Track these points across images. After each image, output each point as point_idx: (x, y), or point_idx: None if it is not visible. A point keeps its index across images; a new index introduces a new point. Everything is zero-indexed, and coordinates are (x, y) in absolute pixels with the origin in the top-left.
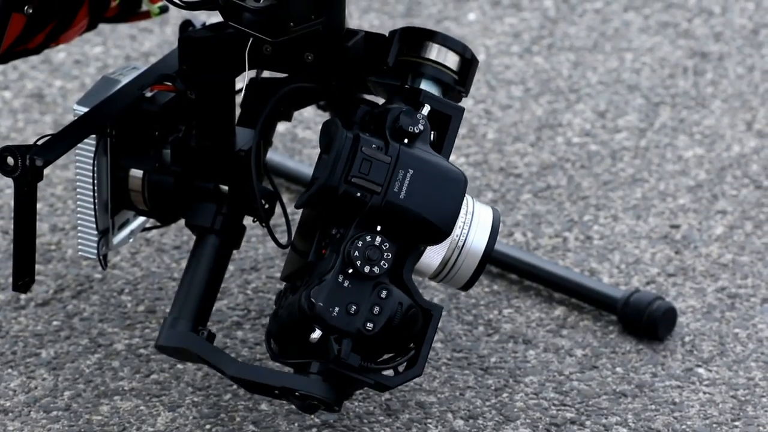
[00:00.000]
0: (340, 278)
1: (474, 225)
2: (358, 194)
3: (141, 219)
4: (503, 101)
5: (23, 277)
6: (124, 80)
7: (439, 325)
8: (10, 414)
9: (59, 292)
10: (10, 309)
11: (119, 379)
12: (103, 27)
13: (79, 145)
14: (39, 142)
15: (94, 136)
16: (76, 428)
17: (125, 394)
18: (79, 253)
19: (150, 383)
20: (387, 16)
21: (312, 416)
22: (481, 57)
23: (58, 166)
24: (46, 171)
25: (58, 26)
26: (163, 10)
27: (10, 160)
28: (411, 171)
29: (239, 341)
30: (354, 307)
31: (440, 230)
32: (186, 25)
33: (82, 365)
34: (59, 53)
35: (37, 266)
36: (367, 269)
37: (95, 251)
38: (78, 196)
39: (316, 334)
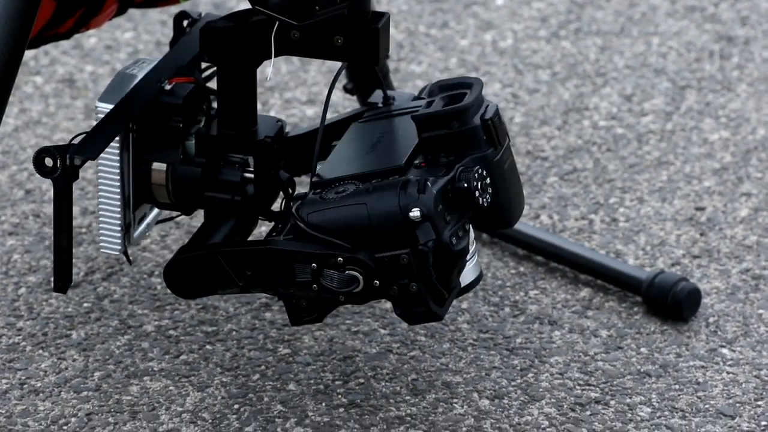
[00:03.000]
0: (444, 190)
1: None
2: (485, 137)
3: (156, 211)
4: (530, 85)
5: (63, 278)
6: (140, 74)
7: (466, 306)
8: (41, 394)
9: (90, 274)
10: (41, 291)
11: (149, 359)
12: (134, 12)
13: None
14: (74, 141)
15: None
16: (106, 408)
17: (155, 375)
18: (102, 249)
19: (179, 364)
20: (415, 1)
21: (339, 396)
22: (508, 41)
23: None
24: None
25: (87, 11)
26: None
27: (49, 161)
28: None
29: (267, 322)
30: (449, 217)
31: (509, 219)
32: (180, 17)
33: (112, 346)
34: (90, 38)
35: None
36: (477, 194)
37: (119, 247)
38: (100, 193)
39: (416, 213)
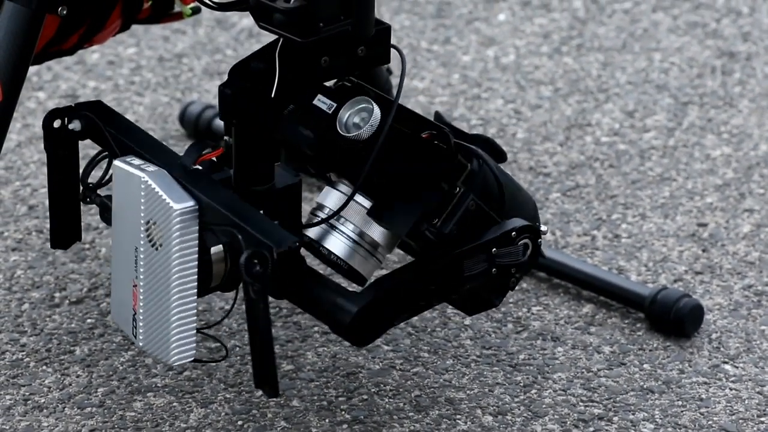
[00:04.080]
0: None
1: None
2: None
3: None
4: (533, 101)
5: (271, 382)
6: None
7: (468, 322)
8: (45, 410)
9: (93, 290)
10: (45, 307)
11: (152, 375)
12: (137, 28)
13: (181, 237)
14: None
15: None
16: (110, 424)
17: (158, 391)
18: (177, 362)
19: (183, 380)
20: (417, 17)
21: (342, 412)
22: (510, 57)
23: None
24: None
25: (91, 27)
26: (196, 11)
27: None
28: None
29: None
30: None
31: None
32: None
33: (115, 362)
34: (93, 54)
35: (70, 265)
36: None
37: (193, 352)
38: (175, 299)
39: None
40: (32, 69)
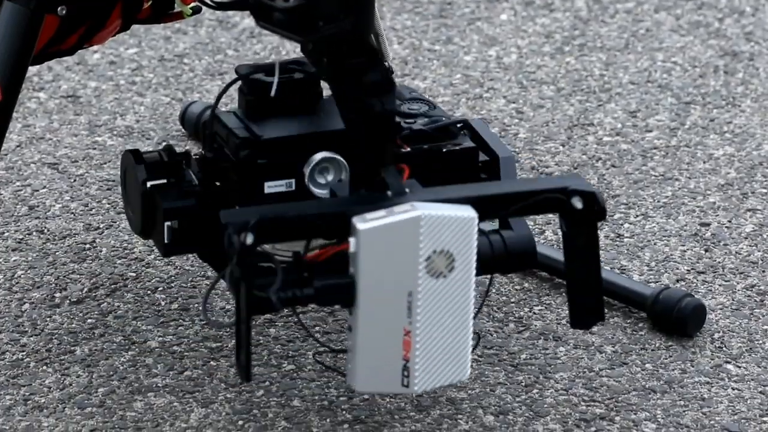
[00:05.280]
0: None
1: None
2: None
3: None
4: (535, 101)
5: None
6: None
7: None
8: (45, 410)
9: (94, 290)
10: (45, 307)
11: (153, 375)
12: (138, 28)
13: (474, 244)
14: None
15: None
16: (111, 424)
17: (159, 391)
18: (453, 380)
19: (183, 380)
20: (420, 16)
21: (344, 412)
22: (513, 57)
23: (92, 166)
24: (80, 171)
25: (91, 27)
26: (196, 10)
27: None
28: None
29: (272, 338)
30: None
31: None
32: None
33: (116, 362)
34: (94, 54)
35: (71, 265)
36: None
37: (469, 369)
38: (470, 311)
39: None
40: (33, 69)
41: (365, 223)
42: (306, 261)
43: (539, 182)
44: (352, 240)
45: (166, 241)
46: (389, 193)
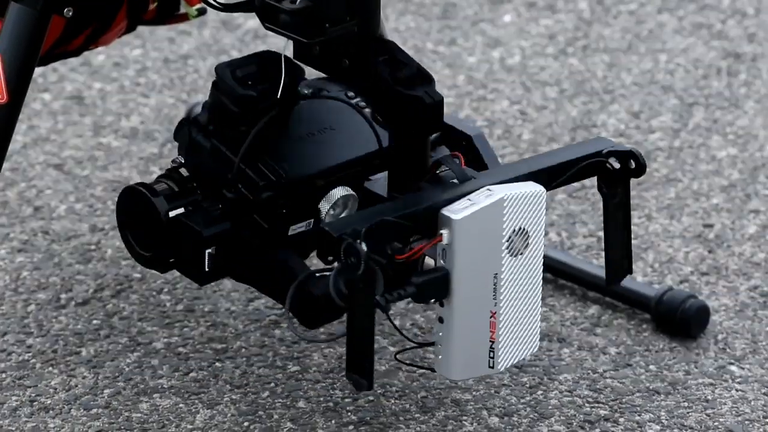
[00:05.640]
0: None
1: None
2: None
3: None
4: (538, 102)
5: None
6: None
7: None
8: (51, 411)
9: (99, 291)
10: (51, 308)
11: (158, 377)
12: (142, 29)
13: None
14: None
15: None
16: (116, 426)
17: (164, 392)
18: (524, 358)
19: (189, 381)
20: (423, 18)
21: (349, 413)
22: (516, 58)
23: (97, 167)
24: (85, 172)
25: (97, 28)
26: (201, 12)
27: None
28: None
29: (277, 340)
30: None
31: None
32: None
33: (121, 363)
34: (98, 55)
35: (76, 266)
36: None
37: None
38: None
39: None
40: (38, 70)
41: (456, 213)
42: (397, 260)
43: (575, 150)
44: (444, 232)
45: (206, 269)
46: (456, 181)
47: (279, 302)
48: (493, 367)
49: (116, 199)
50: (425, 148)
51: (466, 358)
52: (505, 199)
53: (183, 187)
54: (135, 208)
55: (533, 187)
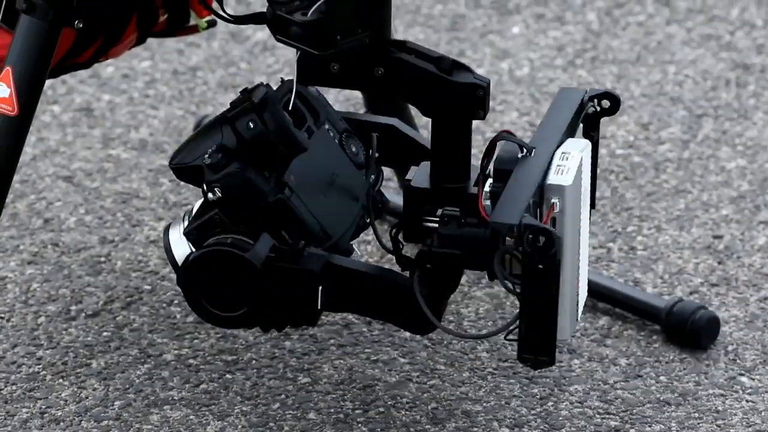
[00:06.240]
0: None
1: None
2: None
3: None
4: None
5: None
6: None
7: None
8: (62, 423)
9: (109, 303)
10: (61, 320)
11: (169, 389)
12: (151, 41)
13: None
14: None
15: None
16: None
17: (175, 404)
18: (566, 335)
19: (199, 393)
20: (432, 30)
21: (359, 425)
22: (525, 70)
23: (107, 179)
24: (94, 184)
25: (107, 41)
26: (211, 24)
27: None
28: None
29: (287, 351)
30: None
31: None
32: None
33: (132, 375)
34: (107, 67)
35: (86, 278)
36: None
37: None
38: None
39: None
40: (47, 83)
41: (562, 180)
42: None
43: (564, 106)
44: (556, 200)
45: (320, 307)
46: (525, 152)
47: (390, 321)
48: (578, 321)
49: (126, 209)
50: (470, 134)
51: (571, 317)
52: (583, 156)
53: (239, 230)
54: (220, 271)
55: (582, 141)
